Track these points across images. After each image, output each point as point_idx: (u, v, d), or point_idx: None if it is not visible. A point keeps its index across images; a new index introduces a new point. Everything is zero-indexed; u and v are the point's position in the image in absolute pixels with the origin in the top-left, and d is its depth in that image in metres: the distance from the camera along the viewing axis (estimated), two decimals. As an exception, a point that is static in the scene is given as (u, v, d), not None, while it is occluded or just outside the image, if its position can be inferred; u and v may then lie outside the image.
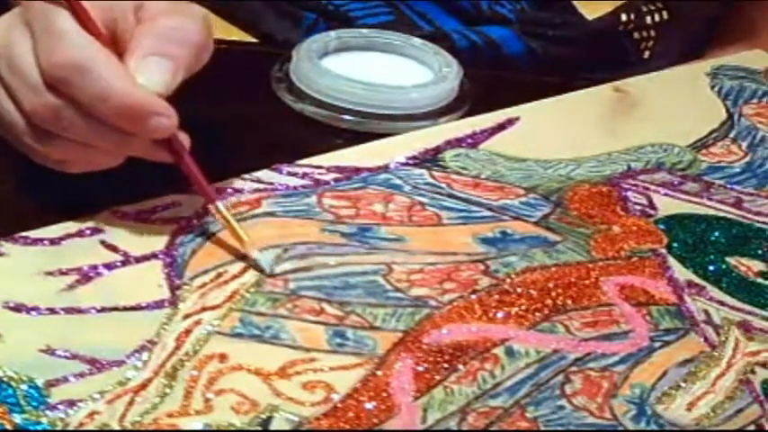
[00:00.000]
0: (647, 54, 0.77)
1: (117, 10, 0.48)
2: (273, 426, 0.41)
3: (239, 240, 0.49)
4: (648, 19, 0.76)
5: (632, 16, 0.75)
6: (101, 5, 0.47)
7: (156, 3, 0.49)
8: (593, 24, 0.75)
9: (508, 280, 0.50)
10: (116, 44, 0.48)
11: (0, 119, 0.48)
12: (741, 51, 0.77)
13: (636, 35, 0.76)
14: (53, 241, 0.49)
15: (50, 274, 0.47)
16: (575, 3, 0.74)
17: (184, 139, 0.49)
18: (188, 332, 0.45)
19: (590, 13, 0.75)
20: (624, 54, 0.77)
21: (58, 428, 0.40)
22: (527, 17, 0.74)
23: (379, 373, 0.44)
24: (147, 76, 0.47)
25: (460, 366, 0.45)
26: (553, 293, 0.50)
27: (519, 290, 0.50)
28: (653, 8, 0.76)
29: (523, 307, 0.49)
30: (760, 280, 0.54)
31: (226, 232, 0.50)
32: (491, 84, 0.67)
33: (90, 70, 0.45)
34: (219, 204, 0.50)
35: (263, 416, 0.42)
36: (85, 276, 0.47)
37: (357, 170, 0.56)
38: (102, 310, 0.46)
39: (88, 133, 0.47)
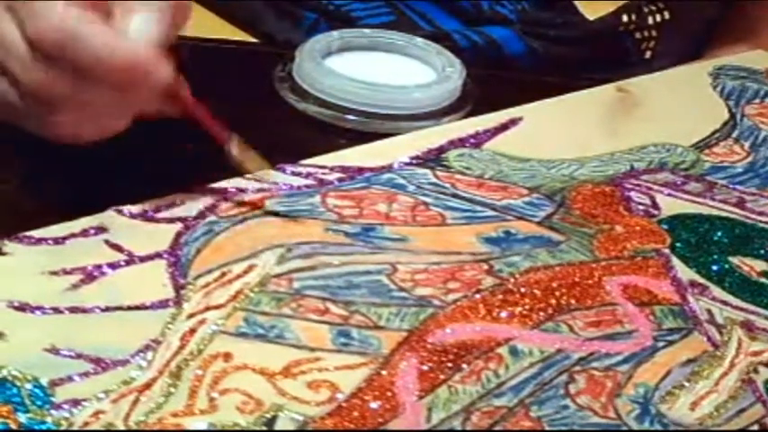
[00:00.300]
0: (648, 54, 0.78)
1: None
2: (278, 425, 0.41)
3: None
4: (650, 19, 0.76)
5: (633, 16, 0.75)
6: None
7: None
8: (595, 24, 0.75)
9: (512, 279, 0.50)
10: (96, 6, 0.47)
11: (2, 104, 0.48)
12: (742, 51, 0.77)
13: (637, 35, 0.76)
14: (57, 241, 0.49)
15: (54, 273, 0.47)
16: (576, 3, 0.74)
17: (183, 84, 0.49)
18: (192, 331, 0.45)
19: (591, 13, 0.75)
20: (625, 54, 0.77)
21: (63, 428, 0.40)
22: (528, 17, 0.74)
23: (383, 372, 0.44)
24: (136, 33, 0.47)
25: (465, 366, 0.45)
26: (557, 293, 0.50)
27: (523, 289, 0.50)
28: (654, 8, 0.76)
29: (527, 306, 0.49)
30: (763, 280, 0.54)
31: (230, 232, 0.50)
32: (494, 84, 0.68)
33: (77, 35, 0.45)
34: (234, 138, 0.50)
35: (268, 415, 0.42)
36: (90, 276, 0.47)
37: (361, 170, 0.56)
38: (107, 309, 0.46)
39: (89, 97, 0.47)
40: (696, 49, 0.83)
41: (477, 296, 0.49)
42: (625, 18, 0.75)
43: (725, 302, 0.52)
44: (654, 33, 0.77)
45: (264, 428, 0.41)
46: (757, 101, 0.70)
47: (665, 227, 0.56)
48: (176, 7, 0.49)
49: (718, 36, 0.83)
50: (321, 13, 0.74)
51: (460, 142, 0.60)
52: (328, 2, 0.74)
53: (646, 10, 0.76)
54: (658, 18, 0.76)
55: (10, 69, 0.47)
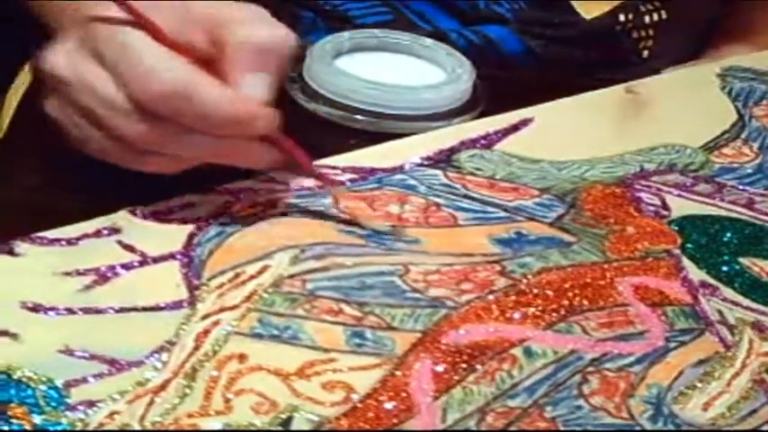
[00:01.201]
0: (645, 54, 0.77)
1: (190, 30, 0.48)
2: (294, 426, 0.41)
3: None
4: (647, 18, 0.76)
5: (630, 16, 0.75)
6: (171, 28, 0.47)
7: (232, 11, 0.49)
8: (591, 24, 0.75)
9: (524, 280, 0.50)
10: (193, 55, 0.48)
11: (81, 143, 0.49)
12: (740, 51, 0.77)
13: (634, 35, 0.76)
14: (70, 242, 0.49)
15: (68, 274, 0.47)
16: (572, 2, 0.74)
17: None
18: (207, 332, 0.45)
19: (588, 12, 0.75)
20: (623, 54, 0.77)
21: (78, 429, 0.40)
22: (524, 16, 0.74)
23: (398, 373, 0.44)
24: (249, 91, 0.47)
25: (479, 366, 0.45)
26: (569, 294, 0.50)
27: (535, 290, 0.50)
28: (651, 8, 0.76)
29: (540, 307, 0.49)
30: (773, 281, 0.54)
31: (243, 232, 0.50)
32: (503, 85, 0.67)
33: (190, 95, 0.45)
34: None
35: (284, 416, 0.42)
36: (103, 277, 0.47)
37: (372, 171, 0.56)
38: (121, 310, 0.46)
39: (187, 147, 0.47)
40: (694, 48, 0.82)
41: (491, 297, 0.49)
42: (622, 17, 0.75)
43: (735, 303, 0.52)
44: (651, 33, 0.77)
45: (280, 429, 0.41)
46: (765, 102, 0.70)
47: (676, 228, 0.56)
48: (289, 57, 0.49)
49: (717, 35, 0.83)
50: (318, 12, 0.74)
51: (472, 143, 0.60)
52: (325, 1, 0.74)
53: (642, 9, 0.76)
54: (655, 17, 0.76)
55: (109, 123, 0.47)
